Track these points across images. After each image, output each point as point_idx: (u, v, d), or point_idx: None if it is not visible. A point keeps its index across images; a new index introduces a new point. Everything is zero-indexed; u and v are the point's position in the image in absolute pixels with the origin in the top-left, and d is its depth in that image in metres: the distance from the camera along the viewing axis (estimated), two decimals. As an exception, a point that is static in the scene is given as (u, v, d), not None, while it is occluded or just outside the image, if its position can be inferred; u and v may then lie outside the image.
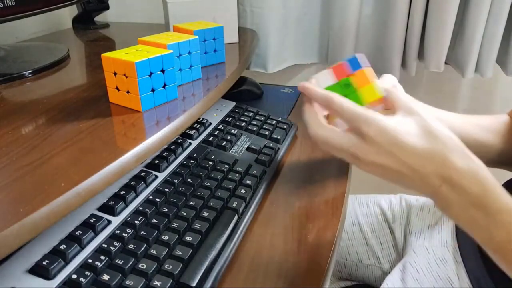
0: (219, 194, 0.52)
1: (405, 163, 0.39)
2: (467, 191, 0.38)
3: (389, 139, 0.39)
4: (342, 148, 0.42)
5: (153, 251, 0.42)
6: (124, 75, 0.51)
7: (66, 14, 1.05)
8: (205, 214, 0.48)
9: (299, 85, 0.46)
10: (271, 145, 0.65)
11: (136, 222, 0.45)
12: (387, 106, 0.45)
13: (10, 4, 0.63)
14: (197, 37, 0.62)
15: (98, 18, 1.07)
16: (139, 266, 0.40)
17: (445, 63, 0.99)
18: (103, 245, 0.41)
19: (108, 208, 0.46)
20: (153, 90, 0.53)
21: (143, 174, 0.52)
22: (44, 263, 0.38)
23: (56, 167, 0.40)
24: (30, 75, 0.66)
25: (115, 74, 0.52)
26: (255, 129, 0.69)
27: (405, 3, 0.92)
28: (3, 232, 0.31)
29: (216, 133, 0.65)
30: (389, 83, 0.49)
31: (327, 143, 0.43)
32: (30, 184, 0.37)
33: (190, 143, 0.62)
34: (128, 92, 0.52)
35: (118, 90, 0.53)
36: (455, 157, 0.39)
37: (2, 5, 0.61)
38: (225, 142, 0.63)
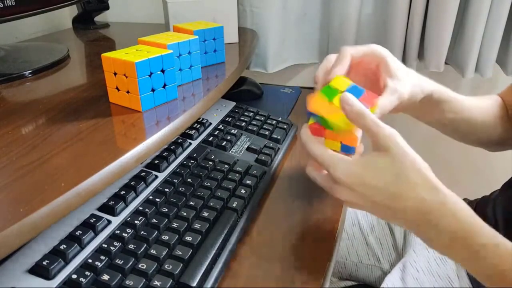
0: (219, 194, 0.52)
1: (376, 202, 0.41)
2: (446, 229, 0.39)
3: (357, 181, 0.41)
4: (324, 188, 0.45)
5: (153, 251, 0.42)
6: (124, 75, 0.51)
7: (66, 14, 1.05)
8: (205, 214, 0.48)
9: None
10: (271, 145, 0.65)
11: (136, 222, 0.45)
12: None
13: (10, 4, 0.63)
14: (197, 37, 0.62)
15: (98, 18, 1.06)
16: (139, 266, 0.40)
17: (445, 63, 0.99)
18: (103, 245, 0.41)
19: (108, 208, 0.46)
20: (153, 90, 0.53)
21: (143, 174, 0.52)
22: (44, 263, 0.38)
23: (56, 167, 0.40)
24: (30, 75, 0.66)
25: (115, 74, 0.52)
26: (255, 129, 0.69)
27: (405, 3, 0.92)
28: (3, 232, 0.31)
29: (216, 133, 0.65)
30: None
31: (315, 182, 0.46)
32: (30, 184, 0.37)
33: (190, 143, 0.62)
34: (128, 92, 0.52)
35: (118, 90, 0.53)
36: (428, 195, 0.39)
37: (2, 5, 0.61)
38: (225, 142, 0.63)
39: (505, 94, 0.62)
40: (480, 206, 0.66)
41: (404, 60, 1.01)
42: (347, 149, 0.45)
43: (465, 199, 0.71)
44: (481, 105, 0.60)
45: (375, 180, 0.40)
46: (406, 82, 0.48)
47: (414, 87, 0.49)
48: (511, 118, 0.60)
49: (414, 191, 0.39)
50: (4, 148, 0.43)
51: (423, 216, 0.39)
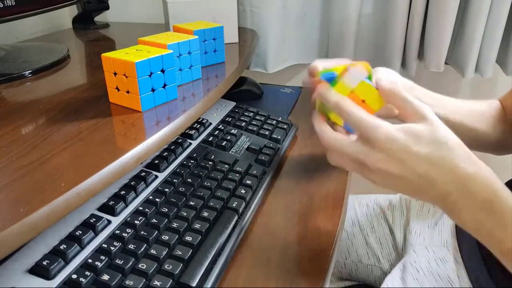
0: (219, 194, 0.52)
1: (414, 170, 0.39)
2: (476, 196, 0.38)
3: (398, 146, 0.39)
4: (350, 155, 0.42)
5: (153, 251, 0.42)
6: (124, 75, 0.51)
7: (66, 14, 1.05)
8: (205, 214, 0.48)
9: (316, 85, 0.46)
10: (271, 145, 0.65)
11: (136, 222, 0.45)
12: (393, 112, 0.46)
13: (10, 4, 0.63)
14: (197, 37, 0.62)
15: (98, 18, 1.07)
16: (139, 266, 0.40)
17: (445, 63, 0.99)
18: (103, 245, 0.41)
19: (108, 208, 0.46)
20: (153, 90, 0.53)
21: (143, 174, 0.52)
22: (44, 263, 0.38)
23: (56, 167, 0.40)
24: (30, 75, 0.66)
25: (115, 74, 0.52)
26: (255, 129, 0.69)
27: (405, 3, 0.92)
28: (3, 232, 0.31)
29: (216, 133, 0.65)
30: (388, 78, 0.50)
31: (338, 151, 0.43)
32: (30, 184, 0.37)
33: (190, 143, 0.62)
34: (128, 92, 0.52)
35: (118, 90, 0.53)
36: (463, 163, 0.39)
37: (2, 5, 0.61)
38: (225, 142, 0.63)
39: (504, 99, 0.61)
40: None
41: (404, 60, 1.01)
42: (350, 128, 0.45)
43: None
44: (472, 107, 0.59)
45: (418, 146, 0.39)
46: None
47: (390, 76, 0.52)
48: (510, 121, 0.60)
49: (454, 160, 0.39)
50: (4, 148, 0.43)
51: (456, 185, 0.39)
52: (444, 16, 0.91)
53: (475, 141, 0.60)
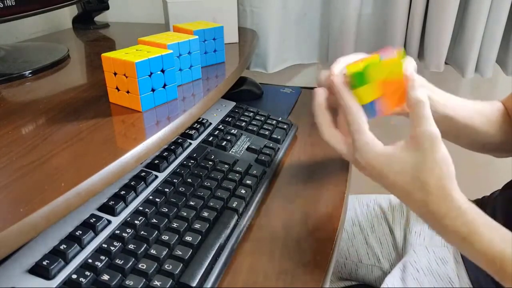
0: (219, 194, 0.52)
1: (393, 190, 0.43)
2: (449, 231, 0.40)
3: (374, 171, 0.43)
4: (342, 153, 0.46)
5: (153, 251, 0.42)
6: (124, 75, 0.51)
7: (66, 14, 1.05)
8: (205, 214, 0.48)
9: (330, 76, 0.45)
10: (271, 145, 0.65)
11: (136, 222, 0.45)
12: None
13: (10, 4, 0.63)
14: (197, 37, 0.62)
15: (98, 18, 1.06)
16: (139, 266, 0.40)
17: (445, 63, 0.99)
18: (103, 245, 0.41)
19: (108, 208, 0.46)
20: (153, 90, 0.53)
21: (143, 174, 0.52)
22: (44, 263, 0.38)
23: (56, 167, 0.40)
24: (30, 75, 0.66)
25: (115, 74, 0.52)
26: (255, 129, 0.69)
27: (405, 3, 0.92)
28: (3, 232, 0.31)
29: (216, 133, 0.65)
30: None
31: (332, 145, 0.47)
32: (30, 184, 0.37)
33: (190, 143, 0.62)
34: (128, 92, 0.52)
35: (118, 90, 0.53)
36: (435, 207, 0.40)
37: (2, 5, 0.61)
38: (225, 142, 0.63)
39: (507, 101, 0.61)
40: (480, 206, 0.66)
41: (404, 60, 1.01)
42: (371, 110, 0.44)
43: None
44: (478, 108, 0.59)
45: (397, 177, 0.41)
46: None
47: None
48: None
49: (427, 202, 0.40)
50: (4, 148, 0.43)
51: (426, 215, 0.41)
52: (444, 16, 0.91)
53: (479, 143, 0.60)
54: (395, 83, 0.43)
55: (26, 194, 0.36)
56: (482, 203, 0.66)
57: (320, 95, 0.46)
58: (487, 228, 0.39)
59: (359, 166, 0.44)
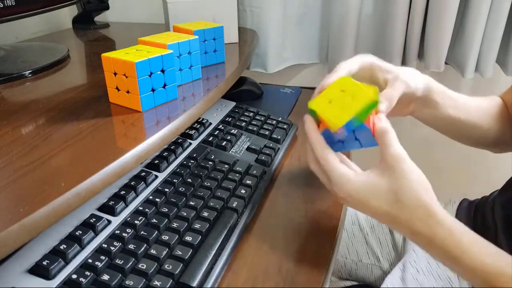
0: (219, 194, 0.52)
1: (374, 216, 0.43)
2: (434, 254, 0.41)
3: (356, 199, 0.43)
4: (322, 181, 0.46)
5: (153, 251, 0.42)
6: (124, 75, 0.51)
7: (66, 14, 1.05)
8: (205, 214, 0.48)
9: (305, 120, 0.46)
10: (271, 145, 0.65)
11: (136, 222, 0.45)
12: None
13: (10, 4, 0.63)
14: (197, 37, 0.62)
15: (98, 18, 1.06)
16: (139, 266, 0.40)
17: (445, 63, 0.99)
18: (103, 245, 0.41)
19: (108, 208, 0.46)
20: (153, 90, 0.53)
21: (143, 174, 0.52)
22: (44, 263, 0.38)
23: (56, 167, 0.40)
24: (30, 75, 0.66)
25: (115, 74, 0.52)
26: (255, 129, 0.69)
27: (405, 3, 0.92)
28: (3, 232, 0.31)
29: (216, 133, 0.65)
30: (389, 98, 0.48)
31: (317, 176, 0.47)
32: (30, 184, 0.37)
33: (190, 143, 0.62)
34: (128, 92, 0.52)
35: (118, 90, 0.53)
36: (420, 227, 0.40)
37: (2, 5, 0.61)
38: (225, 142, 0.63)
39: (505, 94, 0.62)
40: (479, 206, 0.66)
41: (404, 60, 1.01)
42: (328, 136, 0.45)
43: (464, 199, 0.71)
44: (478, 104, 0.60)
45: (376, 202, 0.42)
46: (403, 70, 0.51)
47: (412, 76, 0.51)
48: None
49: (411, 222, 0.40)
50: (4, 148, 0.43)
51: (414, 236, 0.41)
52: (444, 16, 0.91)
53: (479, 138, 0.60)
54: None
55: (26, 194, 0.36)
56: (481, 203, 0.66)
57: (310, 122, 0.46)
58: (476, 245, 0.39)
59: (340, 198, 0.44)
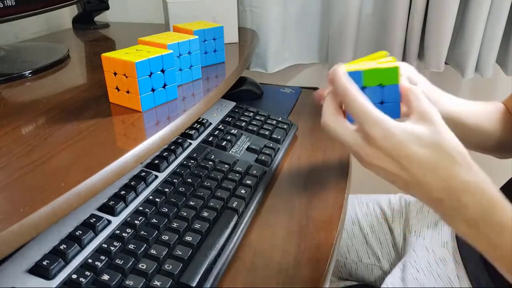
0: (219, 194, 0.52)
1: (408, 170, 0.39)
2: (468, 208, 0.37)
3: (394, 145, 0.38)
4: (346, 144, 0.41)
5: (153, 251, 0.42)
6: (124, 75, 0.51)
7: (66, 14, 1.05)
8: (205, 214, 0.48)
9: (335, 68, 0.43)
10: (271, 145, 0.65)
11: (136, 222, 0.45)
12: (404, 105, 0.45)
13: (10, 4, 0.63)
14: (197, 37, 0.62)
15: (98, 18, 1.06)
16: (139, 266, 0.40)
17: (445, 63, 0.99)
18: (103, 245, 0.41)
19: (108, 208, 0.46)
20: (153, 90, 0.53)
21: (143, 174, 0.52)
22: (44, 263, 0.38)
23: (56, 167, 0.40)
24: (30, 75, 0.66)
25: (115, 74, 0.52)
26: (255, 129, 0.69)
27: (405, 3, 0.92)
28: (3, 232, 0.31)
29: (216, 133, 0.65)
30: (406, 75, 0.48)
31: (334, 136, 0.42)
32: (30, 184, 0.37)
33: (190, 143, 0.62)
34: (128, 92, 0.52)
35: (118, 90, 0.53)
36: (461, 173, 0.38)
37: (2, 5, 0.61)
38: (225, 142, 0.63)
39: (508, 101, 0.61)
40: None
41: (404, 60, 1.01)
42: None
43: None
44: (483, 108, 0.60)
45: (416, 146, 0.38)
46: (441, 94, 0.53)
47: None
48: None
49: (451, 168, 0.38)
50: (4, 148, 0.43)
51: (449, 194, 0.38)
52: (444, 16, 0.91)
53: (483, 143, 0.60)
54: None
55: (26, 194, 0.36)
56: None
57: (342, 67, 0.42)
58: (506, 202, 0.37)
59: (369, 152, 0.39)
